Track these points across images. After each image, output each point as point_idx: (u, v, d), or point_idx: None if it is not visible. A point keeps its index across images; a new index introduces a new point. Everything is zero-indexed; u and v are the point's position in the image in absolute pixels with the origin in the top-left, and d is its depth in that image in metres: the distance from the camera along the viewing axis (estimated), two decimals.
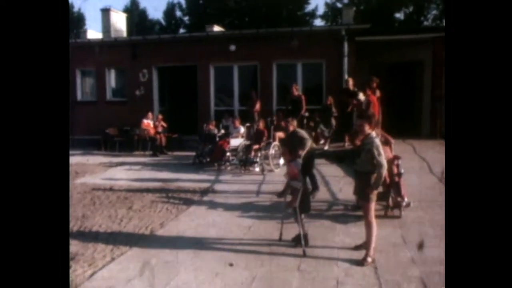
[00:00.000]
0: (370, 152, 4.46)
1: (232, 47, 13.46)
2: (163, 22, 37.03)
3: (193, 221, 6.23)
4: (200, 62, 13.85)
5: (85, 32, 18.14)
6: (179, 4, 35.69)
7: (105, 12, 17.42)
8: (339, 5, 31.00)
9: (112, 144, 13.82)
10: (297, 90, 11.99)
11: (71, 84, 15.03)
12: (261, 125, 10.45)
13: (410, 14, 31.27)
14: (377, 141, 4.53)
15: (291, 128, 7.38)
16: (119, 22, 17.80)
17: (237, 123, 11.12)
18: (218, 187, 8.36)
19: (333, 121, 11.76)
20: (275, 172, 9.45)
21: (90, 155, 13.20)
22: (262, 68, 13.48)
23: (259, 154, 9.60)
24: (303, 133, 7.06)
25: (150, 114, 13.29)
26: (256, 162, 9.59)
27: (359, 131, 4.67)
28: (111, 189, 8.36)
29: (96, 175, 10.03)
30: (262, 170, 9.40)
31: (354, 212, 6.25)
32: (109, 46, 14.83)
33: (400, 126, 11.85)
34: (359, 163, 4.65)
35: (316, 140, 11.83)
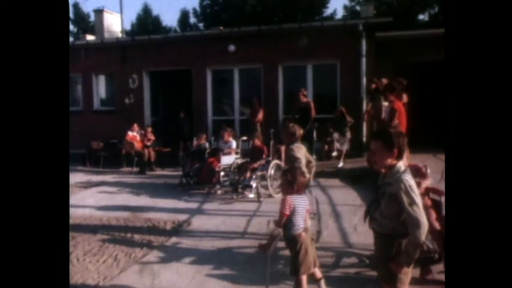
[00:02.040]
0: (397, 199, 2.54)
1: (231, 48, 11.68)
2: (178, 29, 35.66)
3: (138, 281, 4.37)
4: (195, 65, 12.09)
5: (83, 35, 16.65)
6: (194, 10, 34.32)
7: (98, 13, 15.90)
8: (358, 8, 29.00)
9: (97, 159, 12.14)
10: (304, 96, 10.09)
11: None
12: (258, 140, 8.50)
13: (435, 15, 29.00)
14: (409, 180, 2.59)
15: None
16: (114, 24, 16.24)
17: (227, 136, 9.20)
18: (196, 221, 6.47)
19: (348, 132, 9.80)
20: (274, 198, 7.54)
21: (71, 172, 11.54)
22: (266, 71, 11.61)
23: (254, 176, 7.68)
24: (295, 150, 5.03)
25: (135, 126, 11.56)
26: (250, 186, 7.68)
27: (375, 160, 2.74)
28: None
29: None
30: (258, 196, 7.49)
31: (374, 271, 4.27)
32: (96, 49, 13.21)
33: (429, 137, 9.82)
34: (378, 219, 2.71)
35: (328, 155, 9.89)
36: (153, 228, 6.16)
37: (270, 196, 7.65)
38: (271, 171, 7.79)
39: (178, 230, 6.06)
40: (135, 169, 11.22)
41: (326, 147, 10.09)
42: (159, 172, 11.20)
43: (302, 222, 3.55)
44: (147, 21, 36.19)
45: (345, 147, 9.81)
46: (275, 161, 8.07)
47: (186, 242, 5.50)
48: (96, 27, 16.06)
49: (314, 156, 9.39)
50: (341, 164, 9.75)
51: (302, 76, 11.43)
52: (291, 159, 4.83)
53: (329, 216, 6.38)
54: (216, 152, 8.76)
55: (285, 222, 3.51)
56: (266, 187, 7.73)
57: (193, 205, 7.47)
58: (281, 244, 3.87)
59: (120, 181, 10.17)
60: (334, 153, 9.86)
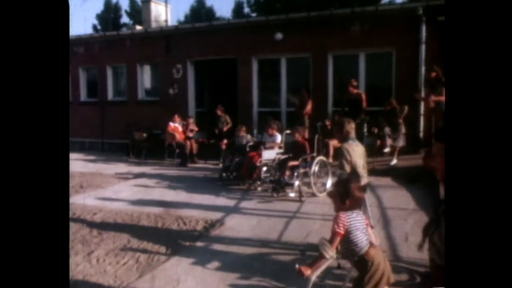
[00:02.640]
0: None
1: (278, 36, 11.01)
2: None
3: None
4: (240, 54, 11.55)
5: (133, 26, 16.64)
6: (248, 0, 33.85)
7: (146, 3, 15.75)
8: None
9: (139, 150, 11.96)
10: (354, 88, 9.28)
11: (103, 82, 13.51)
12: (299, 135, 7.80)
13: None
14: None
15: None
16: (162, 14, 16.04)
17: (272, 129, 8.59)
18: (230, 220, 5.96)
19: (403, 126, 8.91)
20: (318, 198, 6.89)
21: (114, 162, 11.44)
22: (315, 61, 10.88)
23: (295, 174, 7.04)
24: (348, 150, 4.38)
25: (177, 117, 11.20)
26: (291, 184, 7.05)
27: (435, 167, 2.07)
28: (91, 218, 6.28)
29: (98, 191, 8.08)
30: (300, 196, 6.86)
31: None
32: (141, 39, 13.00)
33: None
34: (437, 244, 2.03)
35: (380, 150, 9.07)
36: (183, 228, 5.71)
37: (313, 195, 7.01)
38: (315, 168, 7.12)
39: (209, 230, 5.56)
40: (177, 161, 10.91)
41: (378, 142, 9.25)
42: (200, 164, 10.81)
43: (365, 238, 2.94)
44: (200, 12, 36.22)
45: (400, 143, 8.94)
46: (320, 157, 7.39)
47: (215, 245, 4.99)
48: (143, 17, 15.93)
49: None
50: (394, 162, 8.90)
51: (354, 65, 10.59)
52: (342, 162, 4.17)
53: (377, 221, 5.65)
54: (258, 146, 8.19)
55: (343, 242, 2.93)
56: (309, 185, 7.08)
57: (230, 202, 6.97)
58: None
59: (160, 173, 9.87)
60: (387, 149, 9.00)
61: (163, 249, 4.86)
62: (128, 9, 37.28)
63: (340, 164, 4.28)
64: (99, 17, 37.56)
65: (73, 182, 8.60)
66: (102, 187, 8.47)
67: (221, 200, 7.13)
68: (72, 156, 12.83)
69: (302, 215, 6.08)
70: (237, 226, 5.70)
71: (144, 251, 4.83)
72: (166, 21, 15.81)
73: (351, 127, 4.47)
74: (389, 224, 5.54)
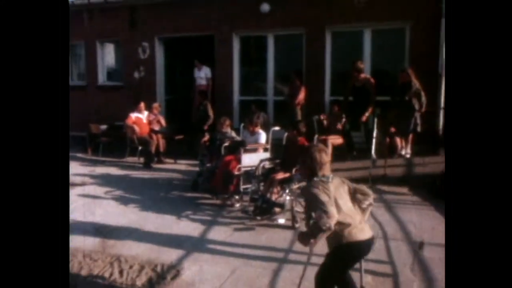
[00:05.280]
0: None
1: (265, 7, 8.95)
2: None
3: None
4: (219, 30, 9.48)
5: None
6: None
7: None
8: None
9: (96, 145, 9.90)
10: (360, 71, 7.35)
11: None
12: (296, 133, 5.78)
13: None
14: None
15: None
16: None
17: (254, 125, 6.53)
18: (190, 267, 4.00)
19: (417, 115, 6.99)
20: None
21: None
22: (309, 38, 8.86)
23: (287, 190, 5.10)
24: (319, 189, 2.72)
25: (142, 106, 9.13)
26: (280, 205, 5.11)
27: None
28: None
29: None
30: (294, 222, 4.93)
31: None
32: (102, 11, 10.81)
33: None
34: None
35: (393, 150, 7.21)
36: (117, 279, 3.76)
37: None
38: None
39: (155, 285, 3.63)
40: (141, 159, 8.90)
41: (388, 140, 7.34)
42: (169, 165, 8.78)
43: None
44: None
45: (414, 128, 6.99)
46: None
47: None
48: None
49: (374, 157, 6.72)
50: (405, 152, 7.07)
51: (357, 44, 8.60)
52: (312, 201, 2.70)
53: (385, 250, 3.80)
54: (236, 148, 6.18)
55: None
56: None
57: (196, 229, 5.02)
58: None
59: (114, 176, 7.88)
60: (402, 151, 7.14)
61: None
62: None
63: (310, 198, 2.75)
64: None
65: None
66: None
67: (184, 225, 5.17)
68: None
69: (297, 253, 4.16)
70: (199, 278, 3.76)
71: None
72: None
73: (326, 161, 2.74)
74: (402, 254, 3.65)
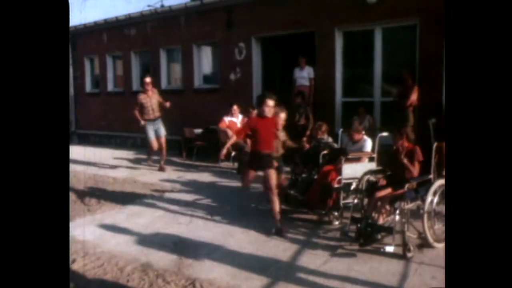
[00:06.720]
0: None
1: None
2: None
3: None
4: (320, 26, 8.65)
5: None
6: None
7: None
8: None
9: (190, 150, 9.64)
10: None
11: (158, 69, 11.44)
12: (405, 140, 4.71)
13: None
14: None
15: None
16: None
17: (357, 131, 5.54)
18: None
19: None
20: (437, 250, 3.96)
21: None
22: (423, 31, 7.65)
23: (397, 211, 4.10)
24: None
25: (235, 109, 8.60)
26: (389, 229, 4.12)
27: None
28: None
29: (113, 211, 5.84)
30: (406, 250, 3.93)
31: None
32: (198, 14, 10.59)
33: None
34: None
35: None
36: None
37: (428, 246, 4.06)
38: (431, 198, 4.13)
39: None
40: (235, 165, 8.39)
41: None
42: None
43: None
44: None
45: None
46: (440, 181, 4.31)
47: None
48: None
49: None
50: None
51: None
52: None
53: None
54: (337, 156, 5.28)
55: None
56: (421, 232, 4.13)
57: (286, 250, 4.25)
58: None
59: (205, 183, 7.45)
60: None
61: None
62: None
63: None
64: None
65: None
66: (121, 204, 6.21)
67: (273, 245, 4.43)
68: (115, 153, 10.96)
69: None
70: None
71: None
72: None
73: None
74: None
